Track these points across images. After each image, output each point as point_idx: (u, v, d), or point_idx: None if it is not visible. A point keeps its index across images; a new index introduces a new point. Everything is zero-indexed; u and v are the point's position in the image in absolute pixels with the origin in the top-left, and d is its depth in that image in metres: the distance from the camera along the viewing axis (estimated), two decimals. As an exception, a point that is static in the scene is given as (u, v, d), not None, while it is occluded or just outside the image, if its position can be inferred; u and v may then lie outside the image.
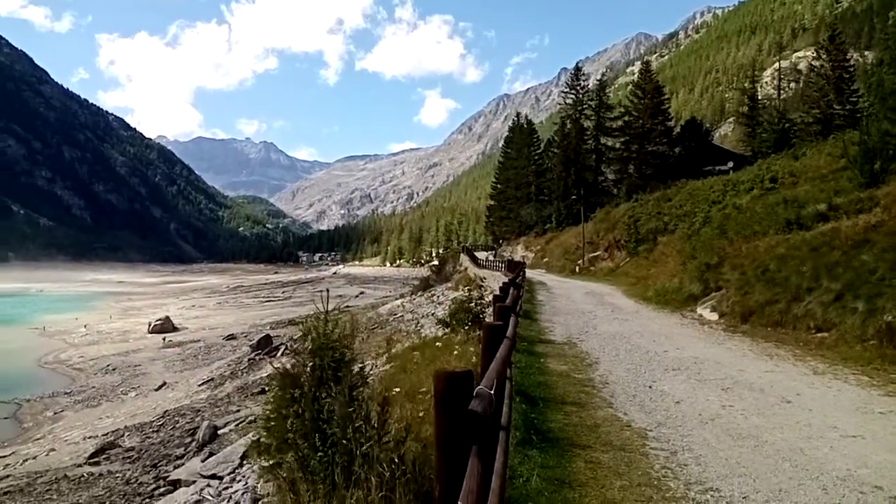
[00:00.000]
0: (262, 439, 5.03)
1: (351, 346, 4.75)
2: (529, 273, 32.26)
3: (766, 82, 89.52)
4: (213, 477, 6.42)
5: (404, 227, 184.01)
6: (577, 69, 62.80)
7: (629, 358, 9.59)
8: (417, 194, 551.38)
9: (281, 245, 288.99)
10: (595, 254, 40.70)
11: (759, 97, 56.87)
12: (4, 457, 17.05)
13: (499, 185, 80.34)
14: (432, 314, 24.42)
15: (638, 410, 6.39)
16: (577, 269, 39.94)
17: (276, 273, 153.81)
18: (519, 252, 58.49)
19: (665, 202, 36.04)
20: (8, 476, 13.81)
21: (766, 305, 12.52)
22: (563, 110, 63.02)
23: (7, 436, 19.95)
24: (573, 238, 46.29)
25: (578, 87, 60.14)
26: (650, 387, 7.47)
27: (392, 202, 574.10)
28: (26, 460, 15.94)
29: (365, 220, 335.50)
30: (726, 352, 10.05)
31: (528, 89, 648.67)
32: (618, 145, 55.82)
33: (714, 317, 14.18)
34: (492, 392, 2.41)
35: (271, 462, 4.45)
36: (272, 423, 4.56)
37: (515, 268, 25.52)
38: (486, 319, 10.23)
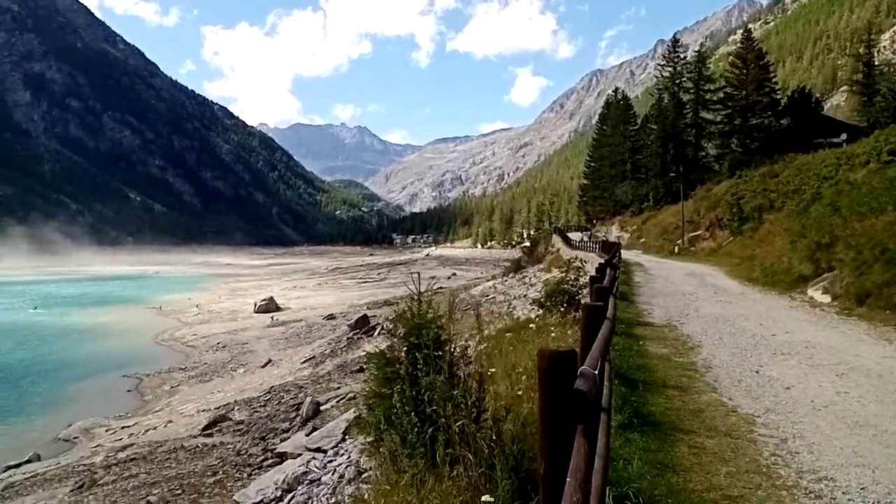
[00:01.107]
0: (362, 416, 5.19)
1: (446, 327, 4.81)
2: (625, 254, 31.44)
3: (885, 46, 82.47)
4: (318, 450, 6.71)
5: (495, 209, 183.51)
6: (675, 41, 60.12)
7: (734, 341, 9.19)
8: (508, 175, 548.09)
9: (375, 228, 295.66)
10: (695, 233, 39.14)
11: (876, 63, 52.36)
12: (129, 427, 18.50)
13: (592, 164, 78.57)
14: (524, 296, 24.27)
15: (744, 396, 6.13)
16: (676, 249, 38.57)
17: (371, 255, 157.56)
18: (613, 232, 57.11)
19: (771, 178, 34.08)
20: (133, 444, 14.96)
21: (884, 287, 11.63)
22: (659, 84, 60.56)
23: (131, 407, 21.59)
24: (672, 217, 44.69)
25: (676, 60, 57.63)
26: (757, 371, 7.13)
27: (483, 183, 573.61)
28: (147, 430, 17.21)
29: (456, 201, 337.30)
30: (840, 336, 9.44)
31: (622, 63, 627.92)
32: (719, 119, 53.13)
33: (826, 299, 13.33)
34: (595, 372, 2.39)
35: (372, 438, 4.59)
36: (372, 401, 4.70)
37: (610, 248, 24.95)
38: (582, 301, 10.08)
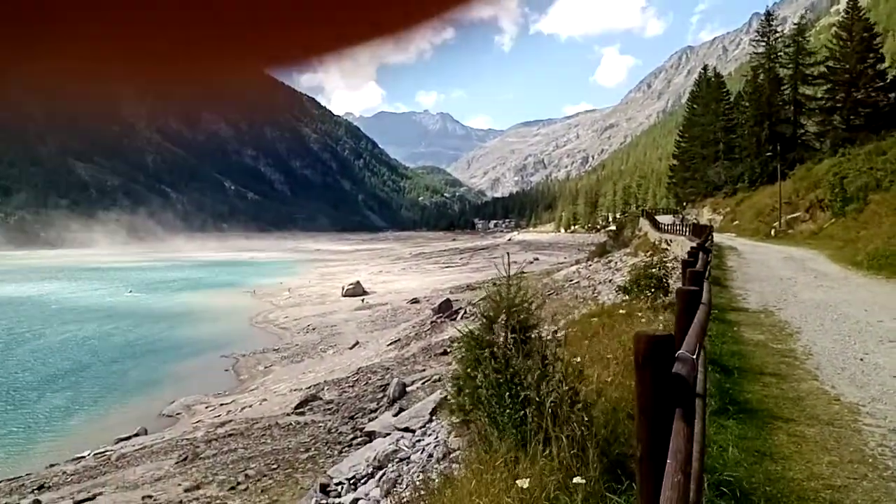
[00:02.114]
0: (449, 397, 5.26)
1: (534, 311, 4.78)
2: (717, 237, 30.23)
3: None
4: (407, 430, 6.86)
5: (579, 192, 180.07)
6: (768, 14, 56.80)
7: (836, 328, 8.68)
8: (592, 158, 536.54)
9: (458, 213, 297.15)
10: (794, 215, 37.09)
11: None
12: (227, 404, 19.49)
13: (683, 144, 75.71)
14: (610, 281, 23.82)
15: (848, 384, 5.79)
16: (772, 232, 36.71)
17: (453, 240, 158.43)
18: (705, 215, 54.94)
19: (878, 156, 31.78)
20: (231, 421, 15.75)
21: None
22: (754, 60, 57.38)
23: (228, 386, 22.73)
24: (768, 198, 42.51)
25: (772, 34, 54.44)
26: (862, 359, 6.72)
27: (566, 167, 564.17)
28: (244, 408, 18.08)
29: (538, 185, 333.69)
30: (958, 324, 8.75)
31: (714, 39, 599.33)
32: (819, 94, 49.91)
33: (943, 285, 12.37)
34: (693, 357, 2.32)
35: (460, 419, 4.65)
36: (460, 382, 4.75)
37: (702, 232, 24.02)
38: (672, 286, 9.78)
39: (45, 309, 43.17)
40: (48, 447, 16.65)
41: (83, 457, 14.33)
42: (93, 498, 9.44)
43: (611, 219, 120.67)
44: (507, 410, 3.56)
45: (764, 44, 54.07)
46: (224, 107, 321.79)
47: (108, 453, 14.11)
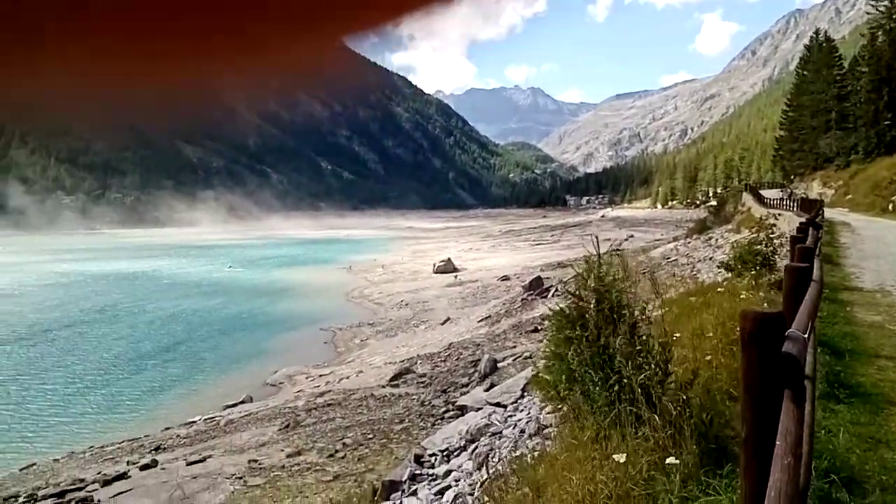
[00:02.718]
0: (540, 374, 5.24)
1: (626, 289, 4.67)
2: (828, 213, 28.38)
3: None
4: (498, 405, 6.92)
5: (677, 166, 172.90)
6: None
7: (966, 311, 7.98)
8: (692, 130, 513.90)
9: (549, 189, 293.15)
10: (917, 188, 34.24)
11: None
12: (325, 375, 20.27)
13: (791, 114, 71.13)
14: (710, 258, 22.90)
15: (979, 372, 5.32)
16: (890, 206, 34.05)
17: (544, 217, 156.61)
18: (815, 189, 51.63)
19: None
20: (329, 391, 16.38)
21: None
22: (872, 20, 52.88)
23: (327, 358, 23.62)
24: (886, 171, 39.37)
25: (894, -10, 49.87)
26: None
27: (663, 140, 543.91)
28: (341, 379, 18.75)
29: (634, 160, 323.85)
30: None
31: (825, 1, 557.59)
32: (950, 56, 45.45)
33: None
34: (805, 336, 2.20)
35: (552, 396, 4.62)
36: (551, 360, 4.72)
37: (811, 207, 22.59)
38: (779, 264, 9.29)
39: (158, 283, 46.27)
40: (164, 412, 17.94)
41: (194, 421, 15.35)
42: (203, 460, 10.09)
43: (711, 194, 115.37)
44: (599, 388, 3.51)
45: (885, 1, 49.69)
46: (319, 90, 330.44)
47: (217, 419, 15.04)
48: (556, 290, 26.34)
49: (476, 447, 5.45)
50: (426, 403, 12.67)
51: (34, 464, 13.48)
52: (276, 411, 14.52)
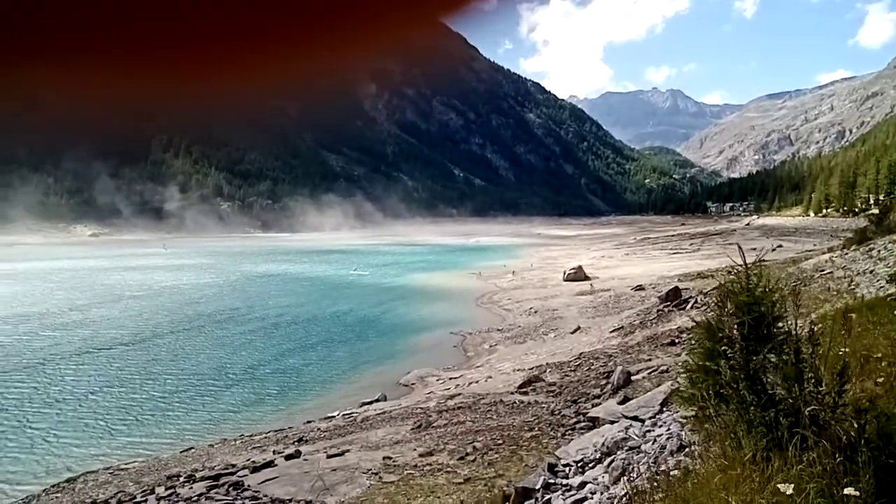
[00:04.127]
0: (681, 389, 5.01)
1: (779, 302, 4.36)
2: None
3: None
4: (635, 419, 6.70)
5: (833, 171, 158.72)
6: None
7: None
8: (850, 131, 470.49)
9: (688, 196, 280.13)
10: None
11: None
12: (455, 378, 20.59)
13: (973, 113, 63.44)
14: (871, 271, 20.86)
15: None
16: None
17: (682, 225, 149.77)
18: None
19: None
20: (459, 394, 16.60)
21: None
22: None
23: (456, 361, 23.99)
24: None
25: None
26: None
27: (817, 143, 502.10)
28: (471, 383, 18.95)
29: (783, 164, 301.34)
30: None
31: None
32: None
33: None
34: None
35: (694, 412, 4.41)
36: (694, 374, 4.50)
37: None
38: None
39: (300, 284, 49.16)
40: (305, 406, 19.03)
41: (333, 416, 16.13)
42: (342, 454, 10.57)
43: (872, 201, 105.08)
44: (754, 408, 3.30)
45: None
46: (454, 98, 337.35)
47: (354, 415, 15.71)
48: (696, 301, 25.14)
49: (613, 461, 5.30)
50: (556, 413, 12.50)
51: (192, 447, 14.77)
52: (409, 411, 14.91)
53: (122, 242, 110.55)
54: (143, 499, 9.36)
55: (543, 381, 16.65)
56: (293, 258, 76.22)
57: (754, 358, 3.75)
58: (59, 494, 12.14)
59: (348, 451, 10.84)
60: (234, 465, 10.87)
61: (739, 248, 4.72)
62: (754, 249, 4.75)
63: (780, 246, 62.89)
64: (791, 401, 3.19)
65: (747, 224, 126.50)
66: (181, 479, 10.50)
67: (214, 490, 8.89)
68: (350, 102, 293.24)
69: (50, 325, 31.02)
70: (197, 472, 10.76)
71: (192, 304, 38.26)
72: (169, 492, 9.42)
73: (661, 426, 5.98)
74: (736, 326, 4.14)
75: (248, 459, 11.48)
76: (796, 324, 4.04)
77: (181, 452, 14.34)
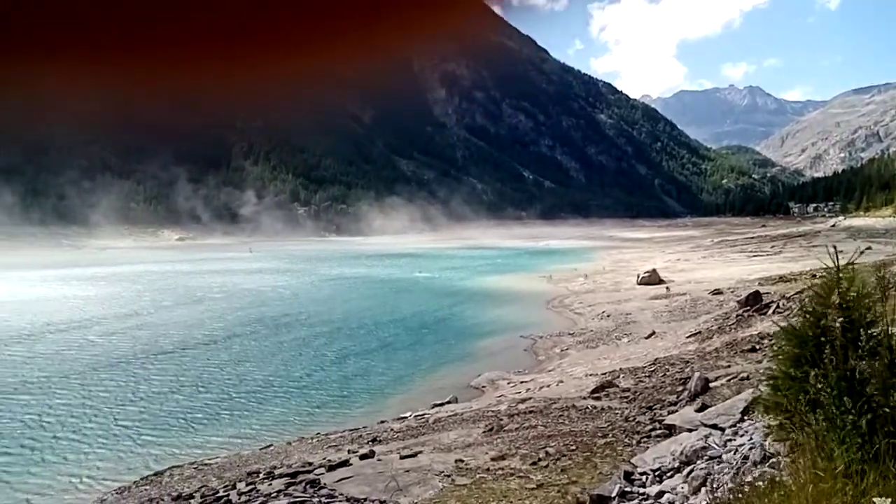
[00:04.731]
0: (763, 397, 4.85)
1: (872, 306, 4.16)
2: None
3: None
4: (715, 427, 6.49)
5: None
6: None
7: None
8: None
9: (768, 196, 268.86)
10: None
11: None
12: (526, 382, 20.47)
13: None
14: (976, 274, 19.52)
15: None
16: None
17: (762, 226, 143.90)
18: None
19: None
20: (530, 398, 16.47)
21: None
22: None
23: (527, 365, 23.86)
24: None
25: None
26: None
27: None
28: (542, 387, 18.78)
29: (871, 163, 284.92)
30: None
31: None
32: None
33: None
34: None
35: (779, 421, 4.25)
36: (779, 382, 4.35)
37: None
38: None
39: (372, 286, 50.02)
40: (378, 406, 19.36)
41: (406, 417, 16.33)
42: (415, 455, 10.67)
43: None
44: (850, 417, 3.15)
45: None
46: (523, 101, 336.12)
47: (426, 416, 15.85)
48: (779, 306, 24.12)
49: (692, 470, 5.16)
50: (630, 419, 12.23)
51: (271, 445, 15.27)
52: (480, 414, 14.92)
53: (206, 246, 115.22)
54: (226, 494, 9.72)
55: (617, 386, 16.33)
56: (365, 261, 77.59)
57: (848, 364, 3.59)
58: (147, 487, 12.78)
59: (421, 452, 10.94)
60: (310, 464, 11.15)
61: (835, 249, 4.53)
62: (841, 252, 4.53)
63: (868, 248, 59.41)
64: (889, 409, 3.03)
65: (833, 225, 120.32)
66: (261, 475, 10.86)
67: (292, 487, 9.14)
68: (420, 108, 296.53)
69: (137, 325, 32.73)
70: (275, 470, 11.10)
71: (270, 305, 39.54)
72: (249, 487, 9.76)
73: (742, 435, 5.77)
74: (826, 331, 3.99)
75: (324, 458, 11.76)
76: (888, 329, 3.85)
77: (261, 449, 14.84)
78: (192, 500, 9.98)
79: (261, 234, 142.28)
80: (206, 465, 13.91)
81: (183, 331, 31.18)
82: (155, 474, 13.75)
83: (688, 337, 23.67)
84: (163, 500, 10.74)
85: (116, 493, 12.88)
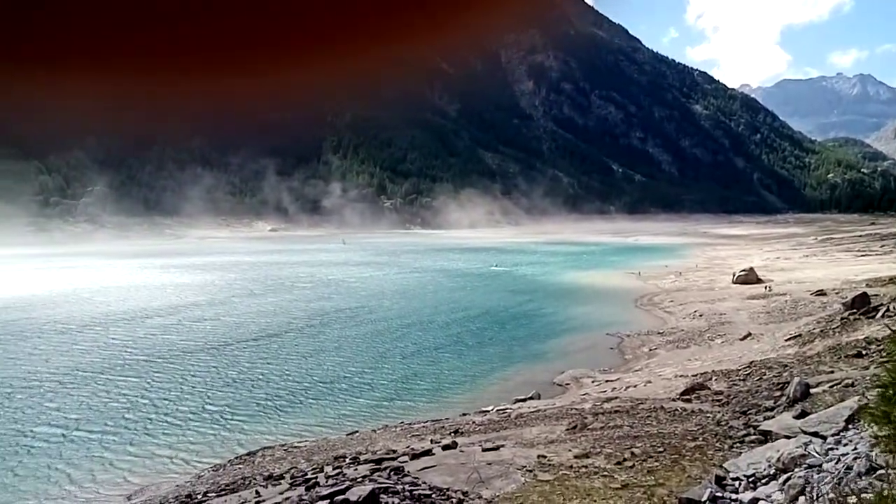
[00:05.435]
0: (871, 405, 4.58)
1: None
2: None
3: None
4: (815, 435, 6.13)
5: None
6: None
7: None
8: None
9: (879, 192, 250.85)
10: None
11: None
12: (611, 381, 20.09)
13: None
14: None
15: None
16: None
17: (872, 224, 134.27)
18: None
19: None
20: (616, 398, 16.16)
21: None
22: None
23: (613, 364, 23.40)
24: None
25: None
26: None
27: None
28: (628, 387, 18.39)
29: None
30: None
31: None
32: None
33: None
34: None
35: (890, 432, 3.99)
36: (890, 391, 4.08)
37: None
38: None
39: (456, 280, 50.31)
40: (460, 398, 19.54)
41: (487, 411, 16.38)
42: (496, 448, 10.69)
43: None
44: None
45: None
46: (613, 91, 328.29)
47: (508, 411, 15.85)
48: (888, 309, 22.55)
49: (789, 478, 4.91)
50: (723, 423, 11.77)
51: (357, 431, 15.71)
52: (563, 411, 14.77)
53: (297, 238, 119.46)
54: (314, 476, 10.06)
55: (709, 389, 15.75)
56: (446, 254, 78.17)
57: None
58: (241, 466, 13.43)
59: (503, 445, 10.95)
60: (394, 451, 11.39)
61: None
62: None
63: None
64: None
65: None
66: (347, 460, 11.18)
67: (377, 473, 9.35)
68: (507, 101, 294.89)
69: (229, 312, 34.39)
70: (361, 455, 11.41)
71: (354, 296, 40.56)
72: (336, 471, 10.06)
73: (846, 445, 5.44)
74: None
75: (408, 446, 11.98)
76: None
77: (346, 435, 15.29)
78: (281, 481, 10.40)
79: (346, 226, 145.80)
80: (295, 447, 14.47)
81: (271, 318, 32.49)
82: (248, 454, 14.43)
83: (787, 340, 22.57)
84: (255, 479, 11.25)
85: (212, 470, 13.61)
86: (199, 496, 10.56)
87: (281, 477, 10.86)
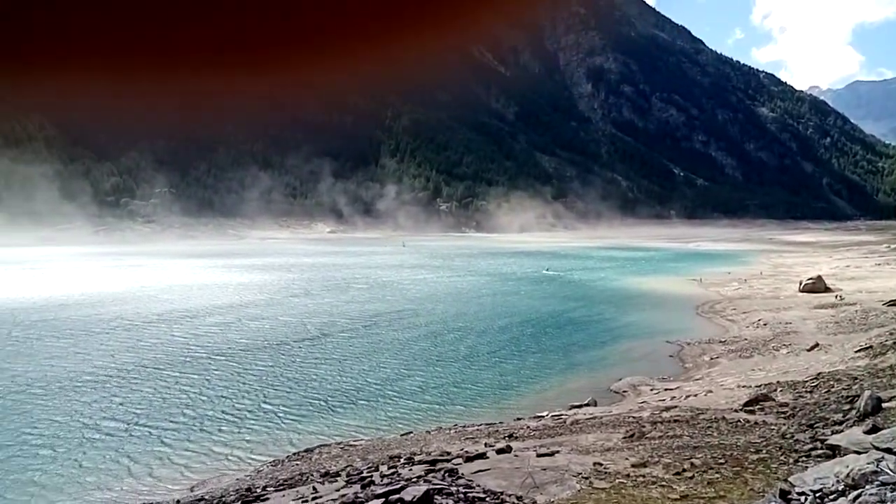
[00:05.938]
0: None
1: None
2: None
3: None
4: (888, 451, 5.87)
5: None
6: None
7: None
8: None
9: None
10: None
11: None
12: (671, 389, 19.65)
13: None
14: None
15: None
16: None
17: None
18: None
19: None
20: (676, 407, 15.79)
21: None
22: None
23: (672, 372, 22.91)
24: None
25: None
26: None
27: None
28: (688, 396, 17.94)
29: None
30: None
31: None
32: None
33: None
34: None
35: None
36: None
37: None
38: None
39: (510, 284, 50.12)
40: (515, 403, 19.46)
41: (542, 416, 16.26)
42: (552, 454, 10.60)
43: None
44: None
45: None
46: (675, 94, 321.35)
47: (563, 417, 15.69)
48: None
49: (860, 495, 4.71)
50: (787, 436, 11.37)
51: (411, 432, 15.84)
52: (620, 419, 14.53)
53: (355, 240, 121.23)
54: (369, 475, 10.20)
55: (773, 400, 15.25)
56: (502, 258, 77.88)
57: None
58: (298, 462, 13.72)
59: (558, 452, 10.85)
60: (448, 453, 11.43)
61: None
62: None
63: None
64: None
65: None
66: (402, 460, 11.29)
67: (431, 474, 9.41)
68: (565, 103, 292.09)
69: (286, 312, 35.15)
70: (415, 456, 11.49)
71: (409, 298, 40.86)
72: (391, 471, 10.18)
73: (923, 463, 5.18)
74: None
75: (462, 449, 12.00)
76: None
77: (401, 435, 15.44)
78: (338, 478, 10.57)
79: (400, 229, 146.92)
80: (351, 445, 14.69)
81: (326, 318, 33.06)
82: (305, 451, 14.73)
83: (857, 351, 21.62)
84: (312, 475, 11.48)
85: (271, 465, 13.95)
86: (259, 489, 10.83)
87: (337, 474, 11.05)
